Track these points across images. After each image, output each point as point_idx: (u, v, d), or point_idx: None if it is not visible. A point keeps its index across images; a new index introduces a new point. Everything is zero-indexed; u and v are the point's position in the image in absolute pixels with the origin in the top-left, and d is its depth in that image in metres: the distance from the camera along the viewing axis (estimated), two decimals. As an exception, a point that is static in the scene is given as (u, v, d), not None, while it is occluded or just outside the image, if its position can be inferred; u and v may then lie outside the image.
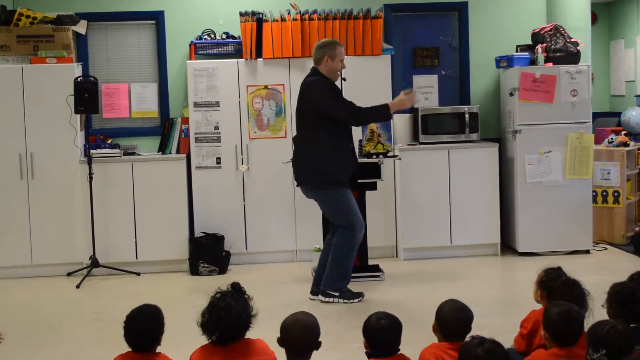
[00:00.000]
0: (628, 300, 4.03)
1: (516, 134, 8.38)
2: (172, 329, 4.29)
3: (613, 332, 3.43)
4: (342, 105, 6.93)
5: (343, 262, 6.97)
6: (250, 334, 3.86)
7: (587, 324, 3.81)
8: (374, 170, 7.50)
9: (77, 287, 7.74)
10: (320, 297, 7.00)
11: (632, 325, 3.73)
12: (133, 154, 8.49)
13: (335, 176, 6.88)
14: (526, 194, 8.40)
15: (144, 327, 3.86)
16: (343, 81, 7.41)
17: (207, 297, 3.91)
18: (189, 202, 8.43)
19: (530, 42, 8.69)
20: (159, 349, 3.93)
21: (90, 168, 7.99)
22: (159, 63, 8.82)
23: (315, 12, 8.38)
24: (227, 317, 3.74)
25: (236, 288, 3.93)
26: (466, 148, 8.50)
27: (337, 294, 6.94)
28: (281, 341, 3.75)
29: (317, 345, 3.74)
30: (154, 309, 3.98)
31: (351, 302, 6.87)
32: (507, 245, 8.70)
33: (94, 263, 7.99)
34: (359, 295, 6.94)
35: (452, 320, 3.93)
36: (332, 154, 6.85)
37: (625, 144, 9.00)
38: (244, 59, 8.39)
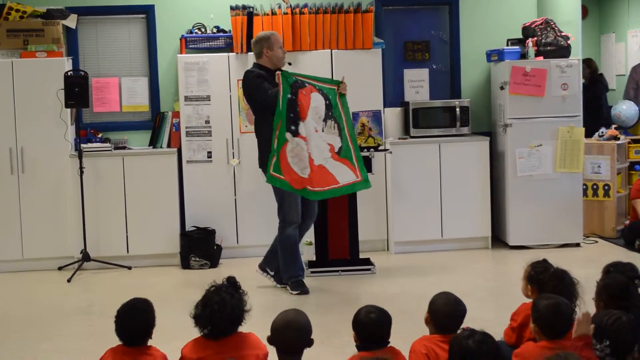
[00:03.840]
0: (618, 294, 4.03)
1: (507, 127, 8.39)
2: (164, 323, 4.29)
3: (618, 324, 3.42)
4: (263, 89, 6.93)
5: (281, 256, 7.14)
6: (242, 328, 3.86)
7: (579, 312, 3.82)
8: (365, 164, 7.50)
9: (68, 281, 7.74)
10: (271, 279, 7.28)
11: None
12: (124, 148, 8.47)
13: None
14: (517, 188, 8.42)
15: (135, 321, 3.86)
16: (289, 65, 7.31)
17: (199, 290, 3.90)
18: (180, 196, 8.42)
19: (520, 36, 8.70)
20: (150, 343, 3.94)
21: (81, 162, 7.97)
22: (150, 57, 8.79)
23: (305, 6, 8.37)
24: (220, 312, 3.73)
25: (231, 282, 3.91)
26: (457, 142, 8.50)
27: (289, 282, 7.12)
28: (272, 341, 3.66)
29: (309, 343, 3.68)
30: (145, 302, 3.98)
31: (294, 293, 7.00)
32: (498, 239, 8.72)
33: (85, 257, 7.98)
34: (303, 291, 7.02)
35: (446, 313, 3.93)
36: (268, 142, 6.95)
37: (616, 138, 9.02)
38: (234, 53, 8.37)
